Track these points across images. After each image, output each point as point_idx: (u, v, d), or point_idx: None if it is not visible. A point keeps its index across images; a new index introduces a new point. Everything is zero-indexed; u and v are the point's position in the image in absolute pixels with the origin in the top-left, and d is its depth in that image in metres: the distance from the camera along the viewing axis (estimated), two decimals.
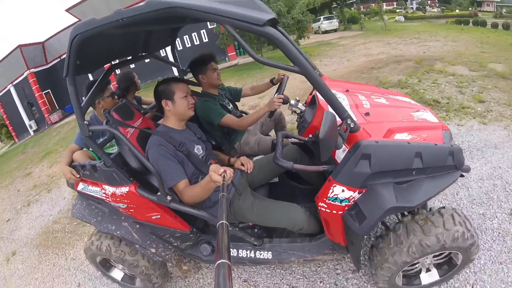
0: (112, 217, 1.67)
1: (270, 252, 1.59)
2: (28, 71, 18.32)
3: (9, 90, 19.41)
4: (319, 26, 20.79)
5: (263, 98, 5.68)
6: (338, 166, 1.21)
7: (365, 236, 1.17)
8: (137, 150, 1.40)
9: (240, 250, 1.64)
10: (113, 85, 2.52)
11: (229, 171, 1.12)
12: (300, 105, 1.90)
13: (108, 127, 1.37)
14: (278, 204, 1.53)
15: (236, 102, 2.43)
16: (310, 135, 1.47)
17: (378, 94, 1.78)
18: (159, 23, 1.30)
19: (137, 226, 1.65)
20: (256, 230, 1.73)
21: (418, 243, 1.23)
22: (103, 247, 1.71)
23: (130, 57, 1.87)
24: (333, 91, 1.92)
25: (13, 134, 20.07)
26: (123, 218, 1.66)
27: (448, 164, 1.20)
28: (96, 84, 1.47)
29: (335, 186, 1.20)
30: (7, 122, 20.49)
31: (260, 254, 1.60)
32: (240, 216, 1.54)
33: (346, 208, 1.23)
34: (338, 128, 1.16)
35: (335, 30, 20.19)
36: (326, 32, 20.12)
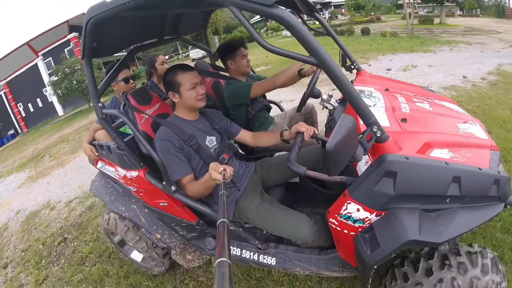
0: (124, 198, 1.71)
1: (274, 258, 1.48)
2: None
3: None
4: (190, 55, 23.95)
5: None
6: (356, 181, 1.03)
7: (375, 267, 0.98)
8: (145, 138, 1.38)
9: (244, 250, 1.56)
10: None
11: (229, 169, 1.08)
12: (333, 101, 1.71)
13: (118, 112, 1.35)
14: (284, 211, 1.40)
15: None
16: None
17: (422, 97, 1.51)
18: (173, 6, 1.21)
19: (146, 210, 1.66)
20: (265, 232, 1.63)
21: (449, 280, 1.02)
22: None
23: (155, 40, 1.83)
24: (370, 88, 1.72)
25: None
26: (133, 200, 1.68)
27: (490, 194, 0.97)
28: (115, 67, 1.46)
29: (349, 203, 1.04)
30: None
31: (264, 259, 1.50)
32: (244, 217, 1.46)
33: (360, 230, 1.06)
34: (361, 136, 0.98)
35: (204, 57, 21.36)
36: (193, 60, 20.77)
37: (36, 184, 4.89)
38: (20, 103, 21.89)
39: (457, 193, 0.93)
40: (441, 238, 0.90)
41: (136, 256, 1.99)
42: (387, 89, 1.70)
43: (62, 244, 2.64)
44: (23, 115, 22.08)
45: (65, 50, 18.80)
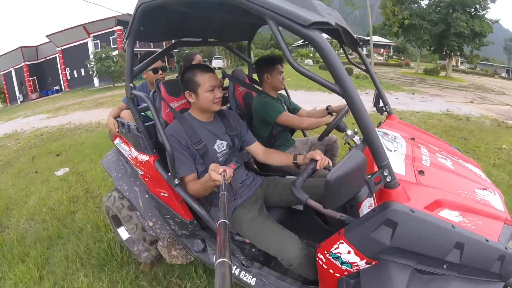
0: (130, 178, 1.76)
1: (255, 279, 1.43)
2: (23, 63, 29.40)
3: (10, 71, 30.63)
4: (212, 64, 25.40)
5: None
6: (355, 222, 0.99)
7: None
8: (165, 127, 1.43)
9: None
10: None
11: (229, 171, 1.09)
12: (356, 138, 1.68)
13: (145, 96, 1.41)
14: (276, 228, 1.35)
15: None
16: None
17: (446, 154, 1.44)
18: (216, 10, 1.28)
19: (146, 195, 1.70)
20: (253, 250, 1.59)
21: None
22: None
23: (200, 40, 1.92)
24: (396, 134, 1.66)
25: (7, 100, 31.30)
26: (138, 183, 1.73)
27: (492, 270, 0.89)
28: (155, 54, 1.54)
29: (342, 242, 0.99)
30: (6, 91, 31.34)
31: (245, 276, 1.45)
32: (238, 227, 1.43)
33: (346, 273, 1.00)
34: (369, 176, 0.94)
35: (220, 68, 22.72)
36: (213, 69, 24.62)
37: (49, 120, 10.39)
38: (68, 68, 29.04)
39: (456, 261, 0.86)
40: None
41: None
42: (413, 138, 1.64)
43: (40, 136, 7.26)
44: (68, 78, 29.42)
45: (111, 38, 25.62)
